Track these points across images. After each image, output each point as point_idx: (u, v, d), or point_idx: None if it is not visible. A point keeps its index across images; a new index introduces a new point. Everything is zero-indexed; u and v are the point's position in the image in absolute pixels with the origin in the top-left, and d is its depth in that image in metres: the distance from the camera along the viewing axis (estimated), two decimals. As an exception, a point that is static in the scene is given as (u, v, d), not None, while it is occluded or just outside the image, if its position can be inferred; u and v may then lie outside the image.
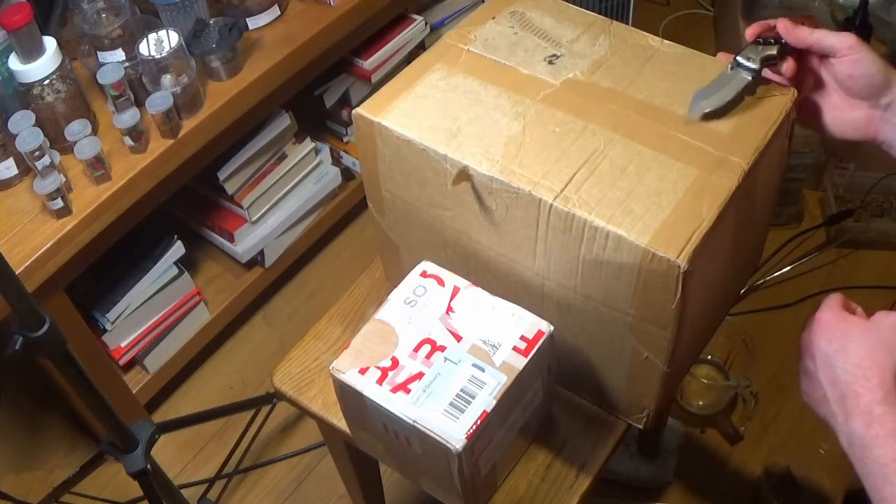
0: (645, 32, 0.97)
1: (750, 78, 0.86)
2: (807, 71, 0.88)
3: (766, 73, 0.88)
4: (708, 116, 0.85)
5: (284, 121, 1.68)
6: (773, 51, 0.85)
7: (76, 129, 1.32)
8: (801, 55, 0.87)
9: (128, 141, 1.36)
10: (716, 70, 0.90)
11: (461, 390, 0.81)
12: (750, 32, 0.88)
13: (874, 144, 0.87)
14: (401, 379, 0.82)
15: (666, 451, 1.59)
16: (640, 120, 0.87)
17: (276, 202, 1.76)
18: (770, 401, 1.67)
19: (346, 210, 1.94)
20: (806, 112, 0.89)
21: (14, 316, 0.95)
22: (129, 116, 1.33)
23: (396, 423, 0.82)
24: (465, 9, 1.98)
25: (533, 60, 0.94)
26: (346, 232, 2.02)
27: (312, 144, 1.78)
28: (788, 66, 0.86)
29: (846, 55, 0.83)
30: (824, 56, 0.85)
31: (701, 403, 1.66)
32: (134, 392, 1.62)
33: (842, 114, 0.87)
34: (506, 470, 0.96)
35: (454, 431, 0.78)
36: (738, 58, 0.87)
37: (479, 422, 0.79)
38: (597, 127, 0.87)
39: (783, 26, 0.85)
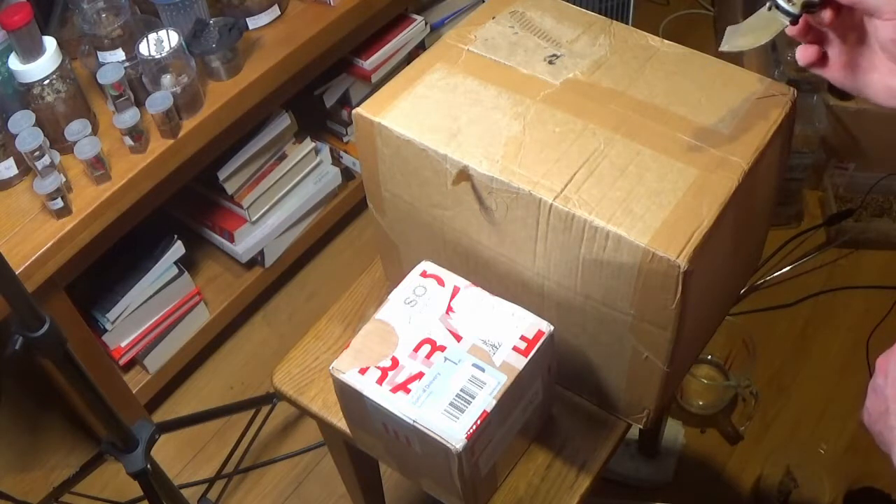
0: (645, 32, 0.97)
1: (787, 23, 0.80)
2: (850, 25, 0.81)
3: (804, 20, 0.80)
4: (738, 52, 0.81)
5: (284, 121, 1.68)
6: None
7: (76, 129, 1.32)
8: (846, 7, 0.79)
9: (128, 141, 1.36)
10: (716, 70, 0.90)
11: (461, 390, 0.81)
12: None
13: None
14: (401, 379, 0.82)
15: (666, 451, 1.59)
16: (640, 120, 0.87)
17: (276, 202, 1.76)
18: (770, 401, 1.67)
19: (346, 210, 1.94)
20: (845, 70, 0.83)
21: (14, 316, 0.95)
22: (129, 116, 1.33)
23: (396, 423, 0.82)
24: (465, 9, 1.98)
25: (533, 60, 0.94)
26: (346, 232, 2.02)
27: (312, 144, 1.78)
28: (827, 15, 0.79)
29: (891, 19, 0.75)
30: (869, 13, 0.78)
31: (701, 403, 1.66)
32: (134, 392, 1.62)
33: (881, 78, 0.80)
34: (506, 470, 0.96)
35: (454, 431, 0.78)
36: None
37: (479, 422, 0.79)
38: (597, 127, 0.87)
39: None
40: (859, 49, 0.81)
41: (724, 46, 0.82)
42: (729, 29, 0.83)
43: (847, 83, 0.82)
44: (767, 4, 0.82)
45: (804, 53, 0.83)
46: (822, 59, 0.83)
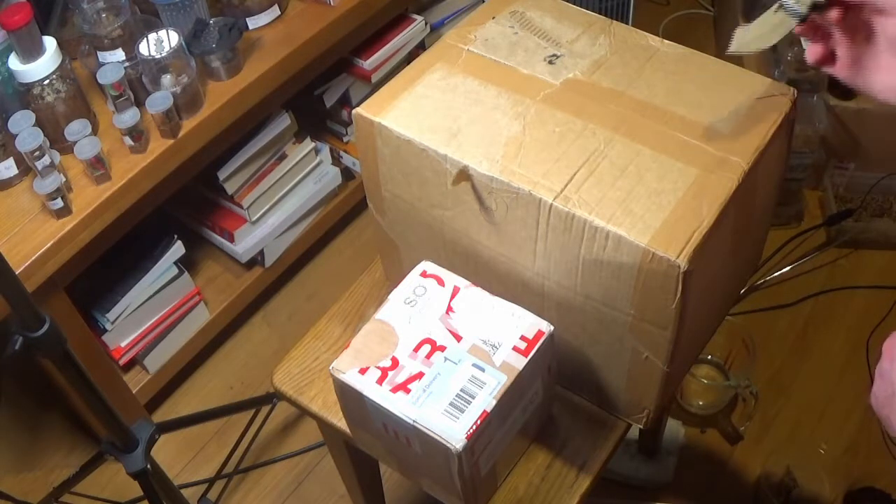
0: (645, 32, 0.97)
1: (795, 23, 0.80)
2: (857, 24, 0.80)
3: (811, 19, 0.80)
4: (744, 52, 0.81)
5: (284, 121, 1.68)
6: None
7: (76, 129, 1.32)
8: (854, 6, 0.79)
9: (128, 141, 1.36)
10: (716, 70, 0.90)
11: (461, 390, 0.81)
12: None
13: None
14: (401, 379, 0.82)
15: (666, 451, 1.59)
16: (640, 120, 0.87)
17: (276, 202, 1.76)
18: (770, 401, 1.67)
19: (346, 210, 1.94)
20: (852, 68, 0.82)
21: (14, 316, 0.95)
22: (129, 116, 1.33)
23: (396, 423, 0.82)
24: (465, 9, 1.98)
25: (533, 60, 0.94)
26: (346, 232, 2.02)
27: (312, 144, 1.78)
28: (834, 14, 0.79)
29: None
30: (878, 11, 0.78)
31: (701, 403, 1.66)
32: (134, 392, 1.62)
33: (888, 77, 0.80)
34: (506, 470, 0.96)
35: (454, 431, 0.78)
36: None
37: (479, 422, 0.79)
38: (597, 127, 0.87)
39: None
40: (866, 47, 0.80)
41: (732, 48, 0.82)
42: (737, 30, 0.83)
43: (854, 81, 0.82)
44: (774, 6, 0.82)
45: (813, 51, 0.82)
46: (831, 57, 0.82)
